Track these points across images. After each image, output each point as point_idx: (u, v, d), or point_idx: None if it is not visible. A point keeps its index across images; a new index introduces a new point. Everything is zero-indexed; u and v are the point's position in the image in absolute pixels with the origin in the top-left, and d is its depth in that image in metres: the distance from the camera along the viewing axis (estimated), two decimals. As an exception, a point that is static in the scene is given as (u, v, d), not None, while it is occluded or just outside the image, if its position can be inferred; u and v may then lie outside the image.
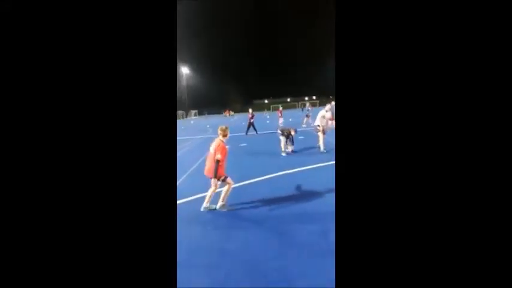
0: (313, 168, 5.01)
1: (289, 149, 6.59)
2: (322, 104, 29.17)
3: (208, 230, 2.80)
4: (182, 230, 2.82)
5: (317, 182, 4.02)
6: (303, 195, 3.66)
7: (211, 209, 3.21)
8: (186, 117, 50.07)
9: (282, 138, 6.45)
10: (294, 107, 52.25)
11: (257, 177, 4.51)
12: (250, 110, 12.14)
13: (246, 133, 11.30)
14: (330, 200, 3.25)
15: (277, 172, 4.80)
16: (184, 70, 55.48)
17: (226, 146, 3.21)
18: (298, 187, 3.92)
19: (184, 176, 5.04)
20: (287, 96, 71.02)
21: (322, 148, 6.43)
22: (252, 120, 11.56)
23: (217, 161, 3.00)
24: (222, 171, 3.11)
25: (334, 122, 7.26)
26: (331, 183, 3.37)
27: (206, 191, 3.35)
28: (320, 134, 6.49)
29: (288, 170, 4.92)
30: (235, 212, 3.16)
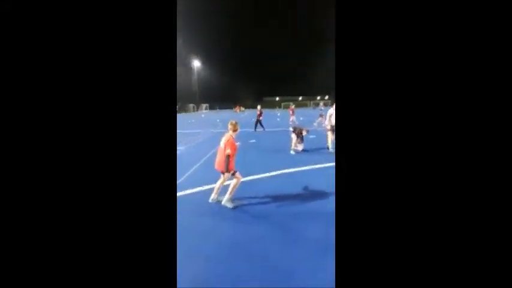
0: (322, 167, 5.01)
1: (300, 147, 6.57)
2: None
3: (216, 221, 2.89)
4: (190, 219, 2.93)
5: (324, 182, 4.04)
6: (309, 193, 3.69)
7: (219, 201, 3.29)
8: (197, 110, 50.32)
9: (294, 136, 6.44)
10: (305, 105, 51.62)
11: (263, 173, 4.57)
12: (258, 107, 12.16)
13: (255, 129, 11.34)
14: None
15: (285, 169, 4.83)
16: (195, 63, 55.56)
17: (237, 143, 3.24)
18: (305, 185, 3.94)
19: (195, 167, 5.19)
20: (299, 95, 70.13)
21: (330, 148, 6.40)
22: (260, 118, 11.53)
23: (228, 156, 3.06)
24: (232, 166, 3.17)
25: None
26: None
27: (214, 182, 3.45)
28: (329, 133, 6.46)
29: (296, 168, 4.94)
30: (242, 206, 3.23)
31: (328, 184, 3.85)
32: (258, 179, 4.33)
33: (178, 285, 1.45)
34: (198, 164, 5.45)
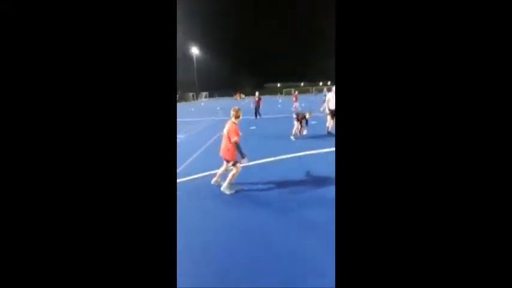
0: (323, 152, 5.01)
1: (304, 131, 6.60)
2: (336, 89, 27.96)
3: (216, 203, 2.95)
4: (192, 202, 2.98)
5: (324, 167, 4.06)
6: (309, 178, 3.71)
7: (220, 185, 3.34)
8: (196, 99, 49.93)
9: (296, 123, 6.42)
10: (307, 91, 50.93)
11: (264, 159, 4.59)
12: (256, 93, 11.81)
13: (256, 117, 11.26)
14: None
15: (285, 155, 4.84)
16: (194, 51, 54.46)
17: (239, 133, 3.23)
18: (307, 170, 3.96)
19: (196, 154, 5.26)
20: (301, 81, 69.23)
21: (329, 129, 6.65)
22: (257, 105, 11.25)
23: (236, 143, 3.05)
24: (233, 155, 3.17)
25: None
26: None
27: (216, 168, 3.52)
28: (329, 117, 6.69)
29: (296, 153, 4.95)
30: (243, 191, 3.26)
31: (330, 169, 3.86)
32: (258, 164, 4.35)
33: (178, 278, 1.48)
34: (198, 152, 5.48)
